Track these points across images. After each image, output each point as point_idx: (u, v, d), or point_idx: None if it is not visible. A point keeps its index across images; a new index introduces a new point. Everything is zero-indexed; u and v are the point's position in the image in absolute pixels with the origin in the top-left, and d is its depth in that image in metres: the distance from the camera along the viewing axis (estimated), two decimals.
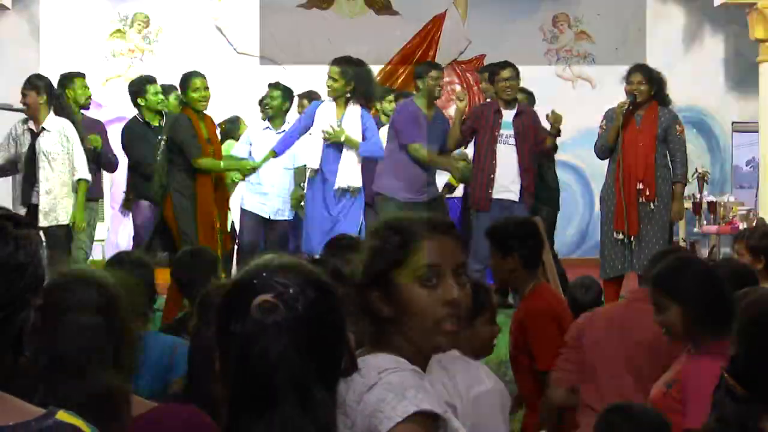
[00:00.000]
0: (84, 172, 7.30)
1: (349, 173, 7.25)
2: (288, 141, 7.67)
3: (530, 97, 8.42)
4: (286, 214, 8.26)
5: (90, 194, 7.53)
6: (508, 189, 7.46)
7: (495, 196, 7.45)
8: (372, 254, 1.92)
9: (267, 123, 8.32)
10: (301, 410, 1.53)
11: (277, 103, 8.31)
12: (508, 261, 4.17)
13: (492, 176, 7.47)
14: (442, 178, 8.55)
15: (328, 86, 7.28)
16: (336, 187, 7.22)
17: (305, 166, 8.09)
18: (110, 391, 2.10)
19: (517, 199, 7.45)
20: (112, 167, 8.27)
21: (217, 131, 8.04)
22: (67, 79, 8.05)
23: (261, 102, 9.07)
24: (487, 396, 2.65)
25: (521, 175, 7.46)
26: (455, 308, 1.88)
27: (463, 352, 2.72)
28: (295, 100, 8.87)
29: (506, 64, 7.60)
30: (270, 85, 8.56)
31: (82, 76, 8.15)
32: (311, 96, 8.85)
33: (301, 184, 8.21)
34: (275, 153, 7.70)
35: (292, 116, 8.54)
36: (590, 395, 3.70)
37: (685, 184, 7.47)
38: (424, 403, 1.74)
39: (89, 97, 8.17)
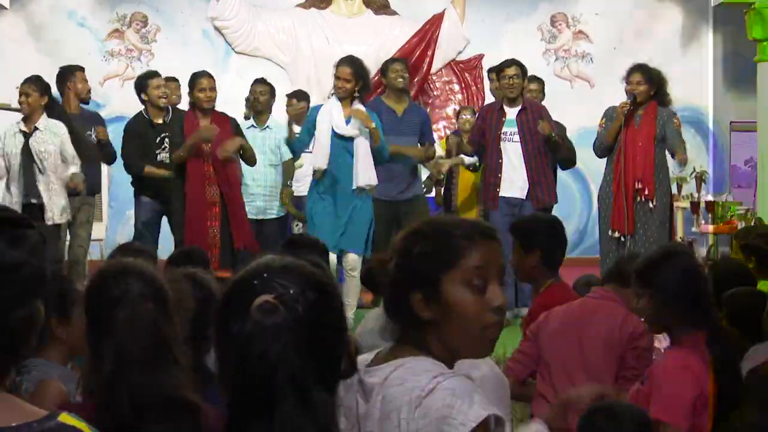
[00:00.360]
0: (75, 168, 7.27)
1: (367, 172, 7.15)
2: (303, 143, 7.43)
3: (542, 85, 8.44)
4: (274, 213, 8.26)
5: (88, 188, 7.52)
6: (515, 187, 7.50)
7: (503, 194, 7.49)
8: (419, 257, 1.87)
9: (251, 121, 8.36)
10: (300, 410, 1.53)
11: (265, 98, 8.39)
12: (530, 257, 4.19)
13: (499, 175, 7.50)
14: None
15: (340, 87, 7.15)
16: (355, 186, 7.11)
17: (292, 159, 8.09)
18: (184, 385, 2.09)
19: (524, 197, 7.47)
20: (112, 158, 8.23)
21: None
22: (68, 72, 8.06)
23: (248, 98, 8.96)
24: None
25: (528, 173, 7.48)
26: (501, 315, 1.87)
27: None
28: (284, 99, 8.89)
29: (512, 62, 7.64)
30: (256, 81, 8.58)
31: (81, 69, 8.16)
32: (299, 95, 8.88)
33: (288, 182, 8.23)
34: (294, 151, 7.56)
35: (276, 113, 8.57)
36: (544, 386, 3.75)
37: (686, 158, 7.41)
38: (492, 408, 1.74)
39: (89, 91, 8.19)
